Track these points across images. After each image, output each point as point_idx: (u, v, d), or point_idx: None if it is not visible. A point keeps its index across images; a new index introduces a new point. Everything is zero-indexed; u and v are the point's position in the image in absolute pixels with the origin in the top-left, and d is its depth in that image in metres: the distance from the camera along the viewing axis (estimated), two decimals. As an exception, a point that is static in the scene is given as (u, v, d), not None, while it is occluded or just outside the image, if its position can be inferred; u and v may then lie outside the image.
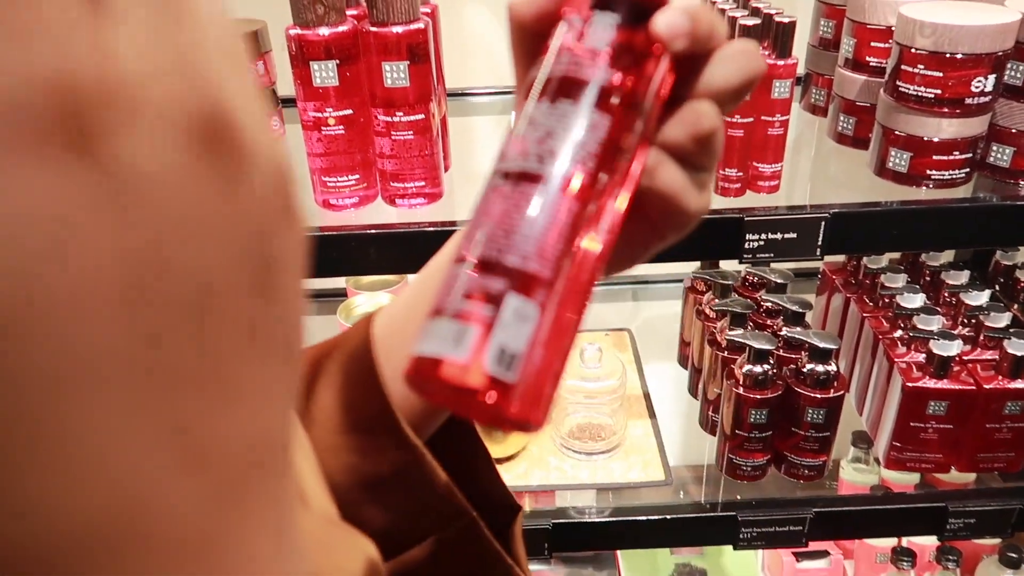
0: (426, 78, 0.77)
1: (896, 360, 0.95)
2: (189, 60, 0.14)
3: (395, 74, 0.76)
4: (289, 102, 0.88)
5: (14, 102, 0.11)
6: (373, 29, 0.75)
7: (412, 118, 0.78)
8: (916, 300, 0.97)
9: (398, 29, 0.74)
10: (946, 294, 1.02)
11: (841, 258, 1.17)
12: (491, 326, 0.25)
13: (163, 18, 0.13)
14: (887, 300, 1.03)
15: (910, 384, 0.91)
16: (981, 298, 0.97)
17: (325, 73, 0.76)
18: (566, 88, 0.29)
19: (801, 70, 0.99)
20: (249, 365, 0.15)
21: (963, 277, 1.02)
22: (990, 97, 0.78)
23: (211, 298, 0.14)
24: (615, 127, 0.29)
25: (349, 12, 0.79)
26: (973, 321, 0.96)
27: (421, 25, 0.75)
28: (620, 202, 0.30)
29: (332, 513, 0.35)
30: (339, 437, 0.39)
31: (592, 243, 0.28)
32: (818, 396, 0.90)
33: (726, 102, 0.31)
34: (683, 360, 1.21)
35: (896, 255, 1.14)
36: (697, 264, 1.17)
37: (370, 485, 0.39)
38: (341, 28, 0.75)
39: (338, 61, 0.76)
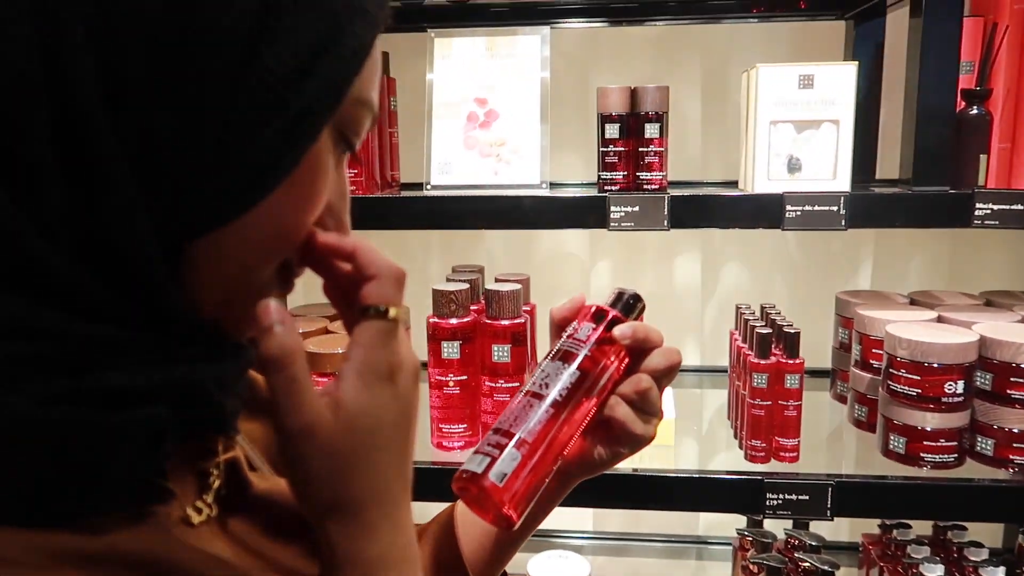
0: (523, 356, 1.06)
1: (920, 624, 1.06)
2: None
3: (500, 353, 1.05)
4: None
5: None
6: (488, 321, 1.05)
7: (510, 385, 1.05)
8: (936, 570, 1.10)
9: (505, 322, 1.04)
10: (969, 568, 1.14)
11: (876, 531, 1.30)
12: (496, 459, 0.50)
13: None
14: (914, 570, 1.15)
15: (930, 646, 1.02)
16: (997, 574, 1.09)
17: (451, 350, 1.06)
18: (561, 355, 0.56)
19: (829, 366, 1.24)
20: (410, 449, 0.43)
21: (983, 554, 1.14)
22: (963, 398, 0.99)
23: (410, 428, 0.42)
24: (584, 378, 0.55)
25: (472, 307, 1.11)
26: (991, 595, 1.08)
27: (522, 320, 1.05)
28: (582, 415, 0.55)
29: None
30: None
31: (561, 430, 0.54)
32: (842, 648, 1.02)
33: (661, 377, 0.57)
34: (736, 617, 1.32)
35: (927, 532, 1.27)
36: (744, 523, 1.34)
37: None
38: (466, 319, 1.06)
39: (461, 341, 1.06)
